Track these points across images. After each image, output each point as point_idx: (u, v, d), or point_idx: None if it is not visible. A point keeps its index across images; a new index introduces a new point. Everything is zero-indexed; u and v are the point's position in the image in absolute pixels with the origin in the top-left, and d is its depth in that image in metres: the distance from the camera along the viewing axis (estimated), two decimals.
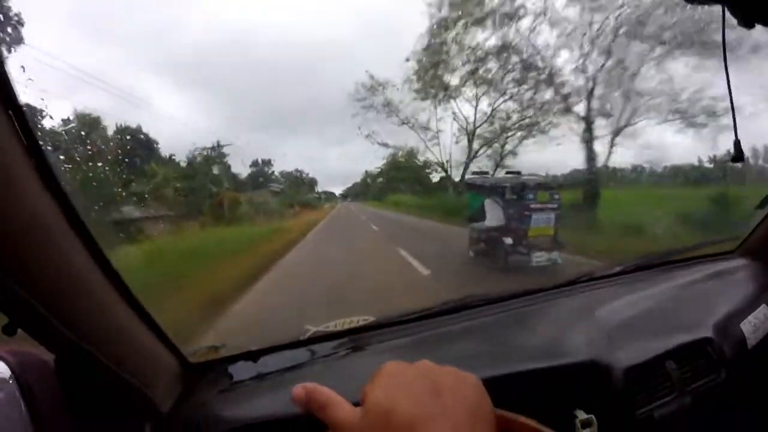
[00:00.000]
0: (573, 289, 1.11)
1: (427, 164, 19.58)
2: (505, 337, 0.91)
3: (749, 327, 0.91)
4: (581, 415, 0.72)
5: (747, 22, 0.45)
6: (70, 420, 0.61)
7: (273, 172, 23.58)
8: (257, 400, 0.75)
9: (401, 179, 23.17)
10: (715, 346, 0.85)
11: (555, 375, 0.76)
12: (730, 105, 0.68)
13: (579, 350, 0.80)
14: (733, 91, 0.67)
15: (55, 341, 0.54)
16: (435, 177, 20.23)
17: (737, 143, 0.69)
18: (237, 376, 0.79)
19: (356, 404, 0.36)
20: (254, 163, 22.09)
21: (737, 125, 0.70)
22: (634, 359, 0.77)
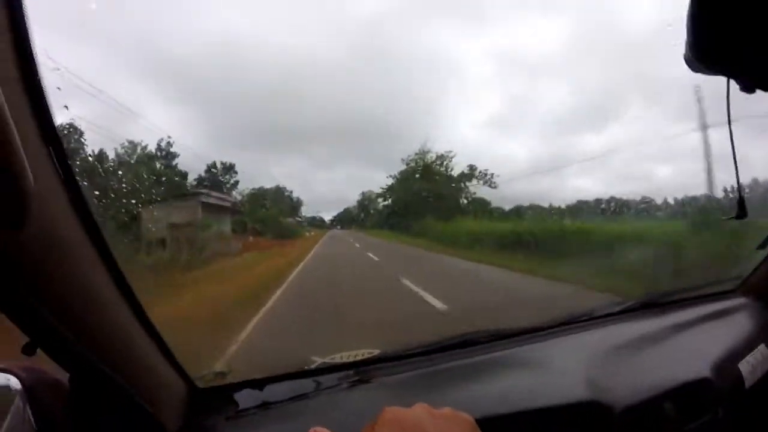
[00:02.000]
0: (573, 328, 1.14)
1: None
2: (507, 374, 0.93)
3: (747, 367, 0.93)
4: None
5: (748, 88, 0.48)
6: None
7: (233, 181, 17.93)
8: (262, 429, 0.76)
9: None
10: (713, 385, 0.86)
11: (555, 414, 0.77)
12: (734, 166, 0.68)
13: (577, 389, 0.81)
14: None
15: (71, 361, 0.56)
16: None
17: (741, 201, 0.71)
18: (243, 403, 0.80)
19: None
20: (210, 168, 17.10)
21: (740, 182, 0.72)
22: (632, 399, 0.79)
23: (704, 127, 8.38)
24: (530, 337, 1.09)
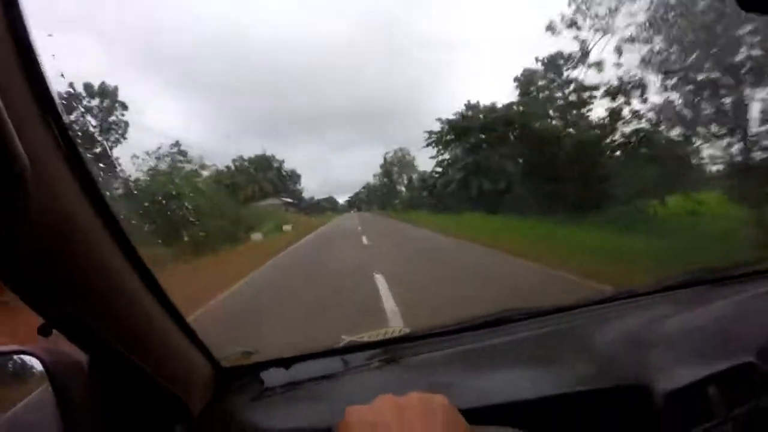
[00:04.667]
0: (614, 306, 1.08)
1: None
2: (541, 355, 0.89)
3: None
4: None
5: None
6: (101, 419, 0.62)
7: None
8: (288, 409, 0.75)
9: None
10: (759, 370, 0.81)
11: (592, 398, 0.75)
12: None
13: (618, 372, 0.78)
14: None
15: (89, 342, 0.55)
16: None
17: None
18: (268, 382, 0.80)
19: None
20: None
21: None
22: (675, 383, 0.75)
23: None
24: (569, 314, 1.04)
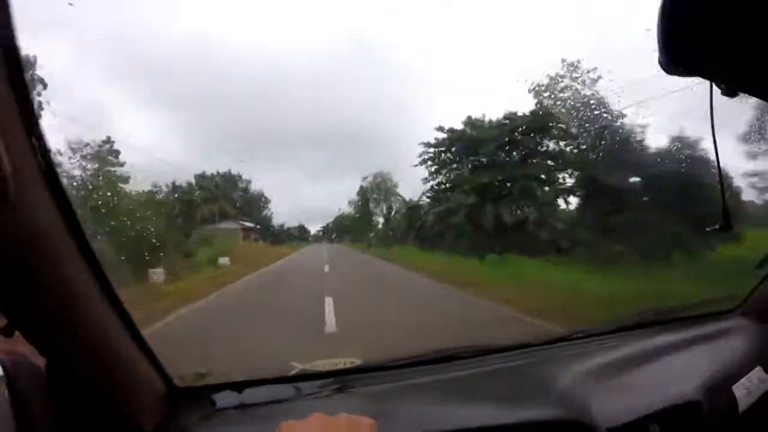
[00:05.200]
0: (566, 345, 1.25)
1: None
2: (490, 389, 1.03)
3: (742, 390, 1.02)
4: None
5: (731, 92, 0.51)
6: (55, 426, 0.69)
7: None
8: (237, 430, 0.86)
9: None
10: (704, 408, 0.94)
11: (536, 430, 0.86)
12: (718, 176, 0.76)
13: (563, 408, 0.90)
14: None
15: (48, 346, 0.64)
16: None
17: (725, 211, 0.76)
18: (220, 403, 0.90)
19: None
20: None
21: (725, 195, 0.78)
22: (617, 420, 0.87)
23: None
24: (519, 353, 1.20)
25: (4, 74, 0.46)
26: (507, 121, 15.84)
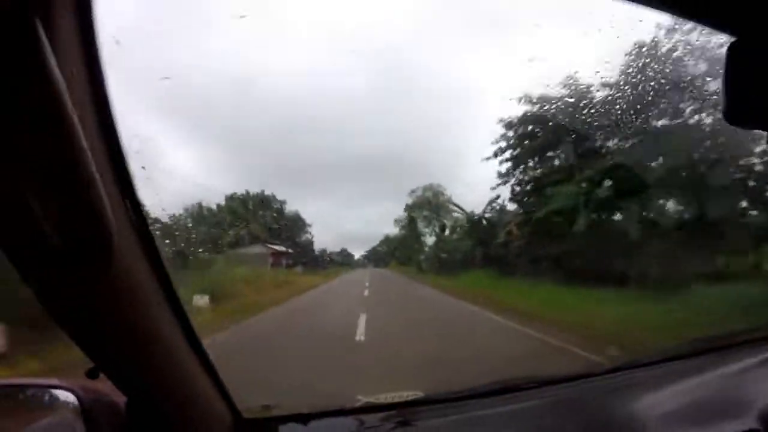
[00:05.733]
0: (618, 376, 1.35)
1: None
2: (548, 425, 1.13)
3: None
4: None
5: None
6: None
7: None
8: None
9: None
10: None
11: None
12: None
13: None
14: None
15: (130, 386, 0.76)
16: None
17: None
18: None
19: None
20: None
21: None
22: None
23: None
24: (575, 384, 1.31)
25: (98, 133, 0.55)
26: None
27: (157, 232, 0.72)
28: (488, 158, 15.24)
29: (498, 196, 16.84)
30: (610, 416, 1.10)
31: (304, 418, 1.07)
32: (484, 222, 18.51)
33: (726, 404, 1.11)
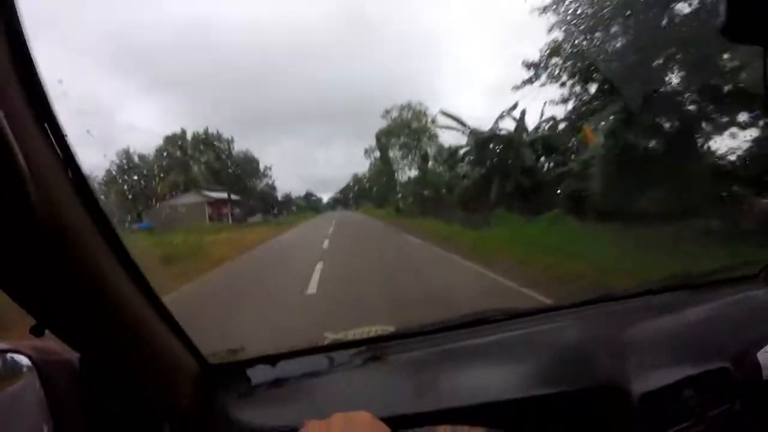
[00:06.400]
0: (594, 309, 1.52)
1: None
2: (522, 356, 1.28)
3: (766, 356, 1.21)
4: None
5: None
6: (90, 417, 0.87)
7: None
8: (275, 407, 1.12)
9: None
10: (731, 375, 1.16)
11: (570, 399, 1.09)
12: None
13: (595, 374, 1.13)
14: None
15: (80, 341, 0.81)
16: None
17: None
18: (255, 379, 1.17)
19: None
20: None
21: None
22: (650, 385, 1.08)
23: None
24: (547, 316, 1.48)
25: (15, 73, 0.55)
26: None
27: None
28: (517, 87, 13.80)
29: (515, 105, 14.95)
30: (582, 348, 1.26)
31: (272, 359, 1.20)
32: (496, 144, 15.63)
33: (698, 341, 1.27)
